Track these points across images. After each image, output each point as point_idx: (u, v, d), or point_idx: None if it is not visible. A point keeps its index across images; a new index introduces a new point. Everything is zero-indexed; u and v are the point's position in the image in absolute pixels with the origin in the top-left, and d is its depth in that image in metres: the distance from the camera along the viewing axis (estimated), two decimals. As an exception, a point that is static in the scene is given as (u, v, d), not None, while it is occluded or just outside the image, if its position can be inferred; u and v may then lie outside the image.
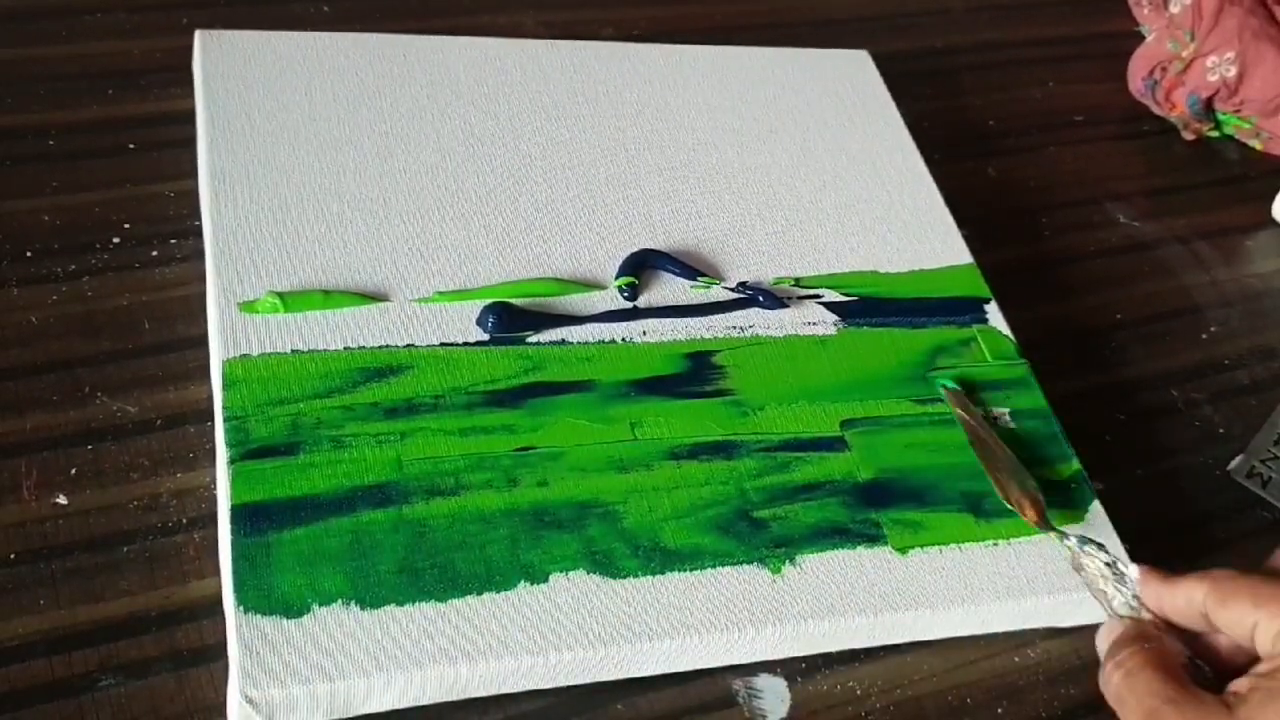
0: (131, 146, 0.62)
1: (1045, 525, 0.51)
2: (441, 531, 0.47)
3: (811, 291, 0.60)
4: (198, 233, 0.57)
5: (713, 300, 0.58)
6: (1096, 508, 0.54)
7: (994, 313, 0.61)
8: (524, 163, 0.61)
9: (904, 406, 0.56)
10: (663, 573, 0.48)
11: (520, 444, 0.50)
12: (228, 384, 0.49)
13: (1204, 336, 0.69)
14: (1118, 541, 0.53)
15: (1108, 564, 0.46)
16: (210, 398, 0.51)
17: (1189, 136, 0.81)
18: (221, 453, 0.47)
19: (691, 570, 0.48)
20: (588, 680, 0.47)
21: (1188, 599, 0.43)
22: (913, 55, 0.82)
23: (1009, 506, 0.51)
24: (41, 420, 0.51)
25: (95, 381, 0.52)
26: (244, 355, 0.50)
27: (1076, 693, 0.51)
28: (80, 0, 0.68)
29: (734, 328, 0.57)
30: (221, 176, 0.56)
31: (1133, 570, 0.45)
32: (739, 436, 0.53)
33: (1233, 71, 0.76)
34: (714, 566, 0.48)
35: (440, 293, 0.54)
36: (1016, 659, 0.52)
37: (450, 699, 0.45)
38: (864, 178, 0.66)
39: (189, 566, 0.48)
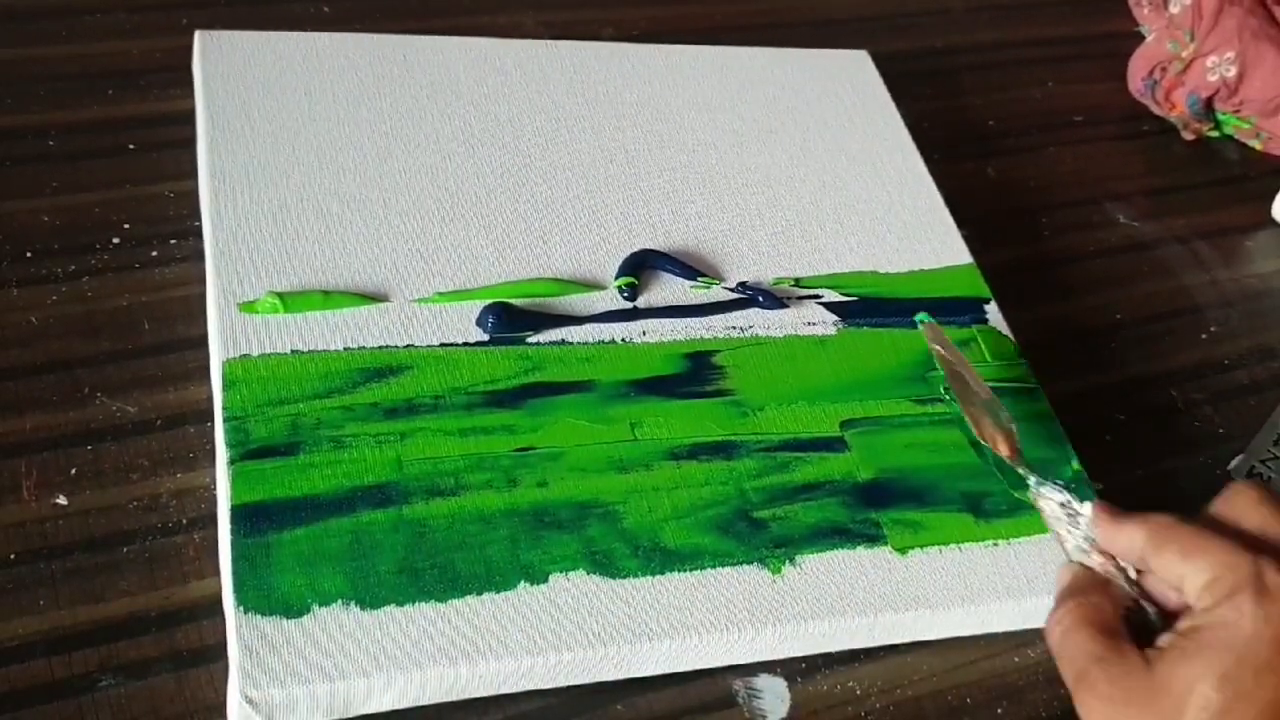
0: (131, 147, 0.62)
1: (1018, 460, 0.50)
2: (441, 532, 0.47)
3: (811, 292, 0.60)
4: (198, 233, 0.57)
5: (712, 300, 0.58)
6: (1096, 508, 0.54)
7: (994, 313, 0.61)
8: (524, 163, 0.61)
9: (904, 406, 0.56)
10: (663, 573, 0.48)
11: (520, 444, 0.50)
12: (228, 384, 0.49)
13: (1204, 336, 0.69)
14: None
15: (1062, 504, 0.46)
16: (210, 398, 0.51)
17: (1189, 136, 0.81)
18: (221, 453, 0.47)
19: (691, 570, 0.48)
20: (588, 680, 0.47)
21: (1129, 542, 0.43)
22: (913, 55, 0.82)
23: (983, 443, 0.51)
24: (41, 420, 0.51)
25: (95, 382, 0.52)
26: (244, 355, 0.50)
27: (1076, 693, 0.51)
28: (80, 0, 0.68)
29: (734, 328, 0.57)
30: (221, 177, 0.56)
31: (1086, 509, 0.45)
32: (739, 437, 0.53)
33: (1232, 71, 0.76)
34: (714, 567, 0.48)
35: (440, 293, 0.54)
36: (1016, 659, 0.52)
37: (450, 699, 0.45)
38: (864, 178, 0.66)
39: (189, 567, 0.48)
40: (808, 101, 0.70)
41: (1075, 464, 0.56)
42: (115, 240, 0.58)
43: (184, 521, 0.49)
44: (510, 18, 0.75)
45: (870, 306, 0.60)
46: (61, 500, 0.48)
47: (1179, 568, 0.41)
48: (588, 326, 0.55)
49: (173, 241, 0.58)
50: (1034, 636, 0.52)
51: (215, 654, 0.45)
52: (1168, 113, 0.81)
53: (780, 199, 0.64)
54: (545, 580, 0.46)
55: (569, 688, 0.47)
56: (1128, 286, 0.70)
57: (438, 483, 0.48)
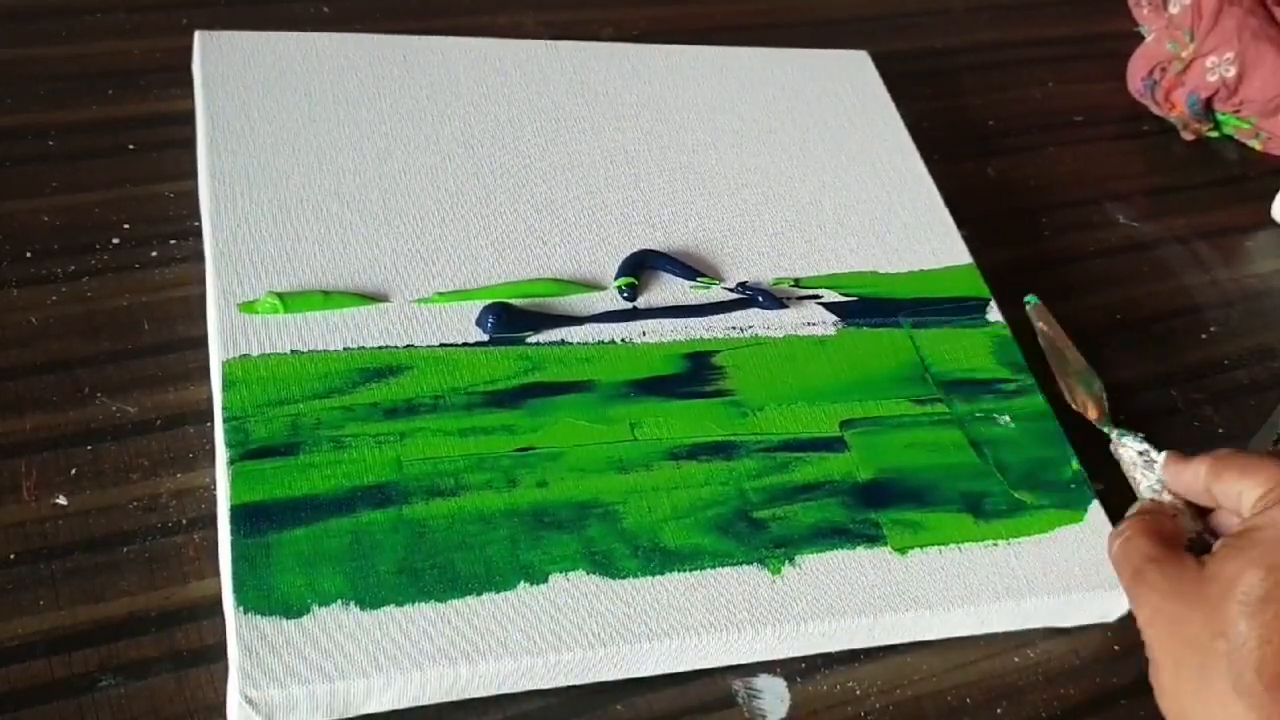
0: (131, 147, 0.62)
1: (1103, 420, 0.55)
2: (441, 532, 0.47)
3: (811, 292, 0.60)
4: (198, 233, 0.57)
5: (712, 301, 0.58)
6: (1096, 508, 0.55)
7: (994, 313, 0.61)
8: (523, 163, 0.61)
9: (903, 406, 0.56)
10: (662, 573, 0.48)
11: (520, 444, 0.50)
12: (227, 384, 0.49)
13: (1204, 336, 0.69)
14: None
15: (1140, 452, 0.51)
16: (210, 398, 0.51)
17: (1188, 137, 0.81)
18: (221, 453, 0.47)
19: (691, 570, 0.48)
20: (588, 680, 0.47)
21: (1194, 474, 0.47)
22: (913, 55, 0.82)
23: (1074, 409, 0.56)
24: (41, 420, 0.51)
25: (95, 382, 0.52)
26: (244, 356, 0.50)
27: (1076, 693, 0.51)
28: (80, 0, 0.68)
29: (733, 328, 0.57)
30: (221, 177, 0.56)
31: (1160, 457, 0.49)
32: (738, 437, 0.53)
33: (1232, 72, 0.76)
34: (714, 567, 0.48)
35: (440, 293, 0.54)
36: (1016, 659, 0.52)
37: (450, 699, 0.45)
38: (863, 178, 0.66)
39: (189, 567, 0.48)
40: (807, 101, 0.70)
41: (1075, 464, 0.56)
42: (115, 240, 0.58)
43: (184, 521, 0.49)
44: (510, 18, 0.75)
45: (870, 307, 0.60)
46: (61, 500, 0.48)
47: (1238, 485, 0.44)
48: (587, 327, 0.55)
49: (173, 241, 0.58)
50: (1034, 636, 0.53)
51: (215, 654, 0.45)
52: (1167, 113, 0.81)
53: (780, 199, 0.64)
54: (545, 580, 0.46)
55: (569, 688, 0.47)
56: (1128, 286, 0.70)
57: (438, 483, 0.48)
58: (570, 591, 0.46)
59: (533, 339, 0.54)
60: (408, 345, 0.52)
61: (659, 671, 0.48)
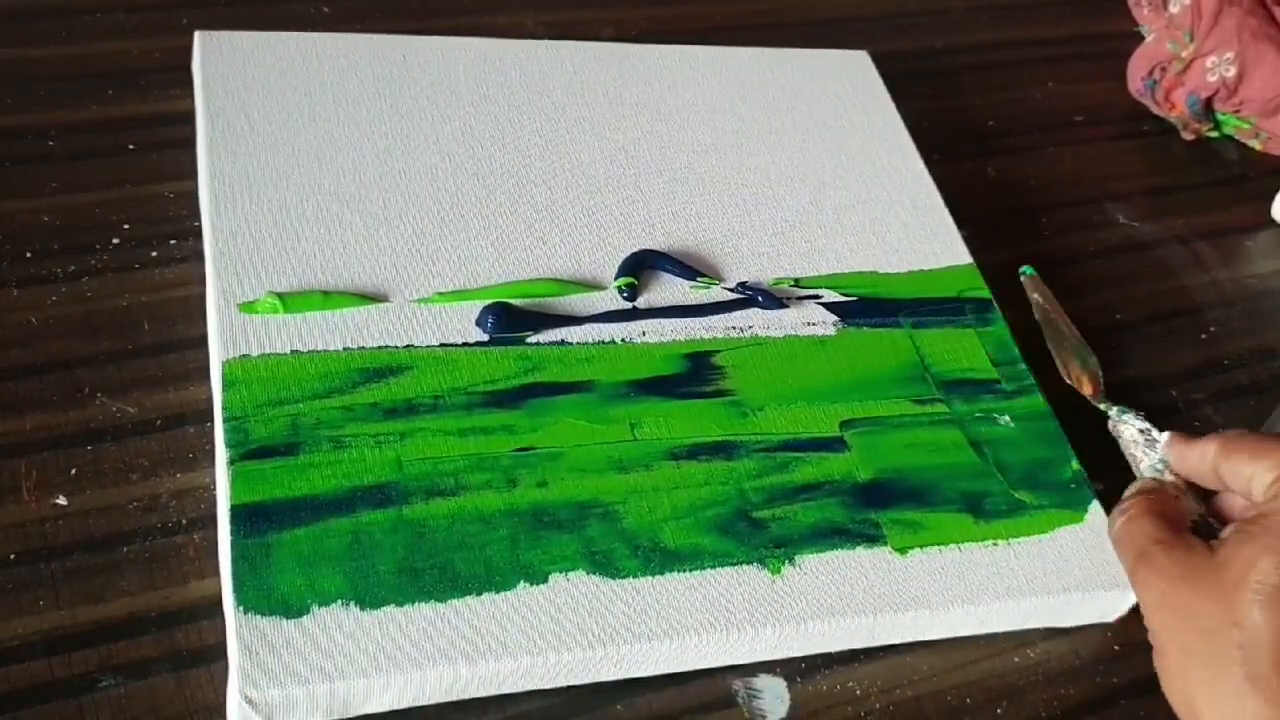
0: (131, 147, 0.62)
1: (1099, 397, 0.55)
2: (441, 532, 0.47)
3: (811, 292, 0.60)
4: (197, 233, 0.57)
5: (712, 301, 0.58)
6: (1096, 508, 0.55)
7: (994, 312, 0.61)
8: (523, 163, 0.61)
9: (903, 406, 0.56)
10: (662, 573, 0.48)
11: (520, 444, 0.50)
12: (227, 384, 0.49)
13: (1204, 336, 0.69)
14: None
15: (1141, 430, 0.50)
16: (210, 398, 0.51)
17: (1188, 136, 0.81)
18: (221, 453, 0.47)
19: (691, 570, 0.48)
20: (588, 680, 0.47)
21: (1201, 455, 0.46)
22: (913, 55, 0.82)
23: (1068, 383, 0.56)
24: (41, 420, 0.51)
25: (95, 382, 0.52)
26: (244, 356, 0.50)
27: (1076, 693, 0.51)
28: (80, 0, 0.68)
29: (733, 328, 0.57)
30: (221, 177, 0.56)
31: (1163, 436, 0.49)
32: (738, 437, 0.53)
33: (1232, 72, 0.76)
34: (713, 567, 0.48)
35: (440, 293, 0.54)
36: (1016, 659, 0.52)
37: (450, 699, 0.45)
38: (864, 178, 0.66)
39: (189, 567, 0.48)
40: (807, 101, 0.70)
41: (1075, 464, 0.56)
42: (115, 240, 0.58)
43: (184, 521, 0.49)
44: (510, 18, 0.75)
45: (870, 307, 0.60)
46: (61, 500, 0.48)
47: (1248, 468, 0.43)
48: (587, 327, 0.55)
49: (173, 241, 0.58)
50: (1034, 636, 0.53)
51: (215, 654, 0.45)
52: (1167, 113, 0.81)
53: (780, 199, 0.64)
54: (545, 580, 0.46)
55: (569, 688, 0.47)
56: (1128, 286, 0.70)
57: (437, 483, 0.48)
58: (570, 591, 0.46)
59: (533, 339, 0.54)
60: (408, 345, 0.52)
61: (659, 671, 0.48)
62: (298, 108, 0.60)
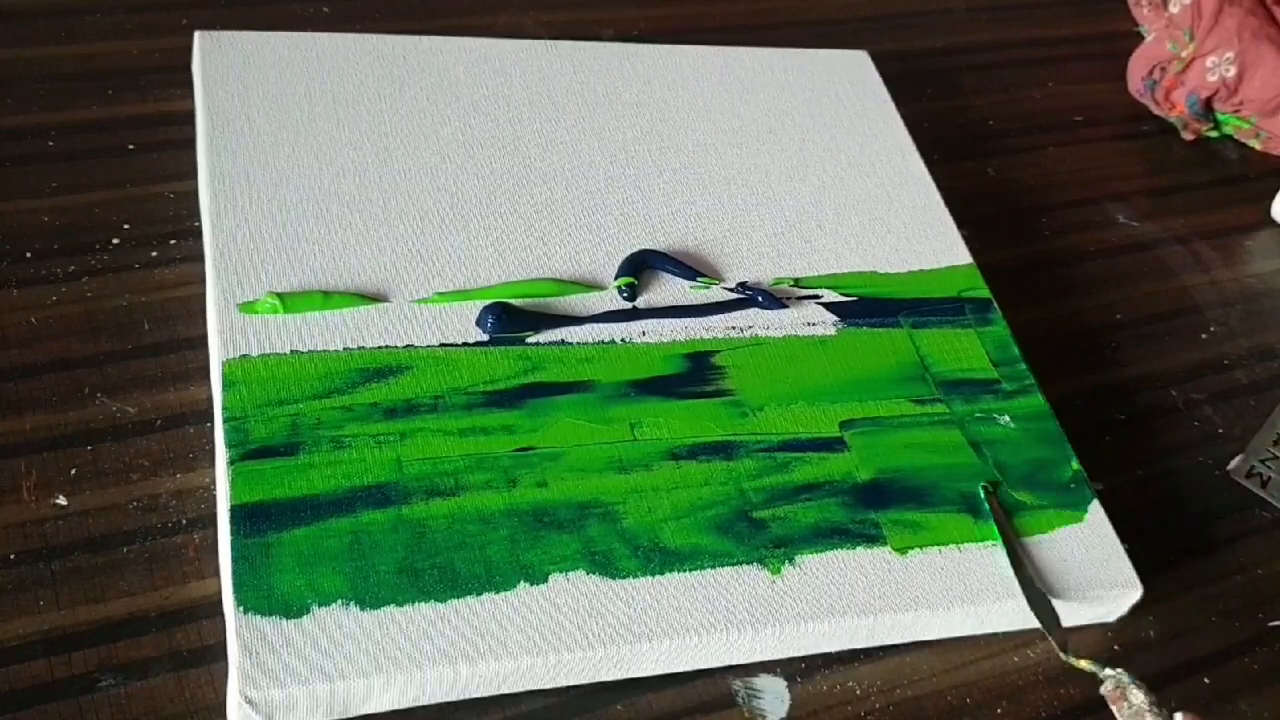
0: (131, 147, 0.62)
1: (1071, 654, 0.50)
2: (441, 532, 0.47)
3: (811, 292, 0.60)
4: (197, 233, 0.57)
5: (712, 300, 0.58)
6: (1096, 508, 0.55)
7: (994, 312, 0.61)
8: (523, 163, 0.61)
9: (903, 407, 0.56)
10: (662, 573, 0.48)
11: (520, 444, 0.50)
12: (227, 384, 0.49)
13: (1204, 336, 0.69)
14: (1117, 541, 0.53)
15: (1150, 703, 0.46)
16: (210, 398, 0.51)
17: (1188, 136, 0.81)
18: (221, 453, 0.47)
19: (691, 570, 0.48)
20: (588, 680, 0.47)
21: None
22: (913, 55, 0.82)
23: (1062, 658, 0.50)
24: (41, 420, 0.51)
25: (95, 382, 0.52)
26: (243, 356, 0.50)
27: (1076, 693, 0.51)
28: (80, 0, 0.68)
29: (733, 328, 0.57)
30: (221, 177, 0.56)
31: (1178, 718, 0.46)
32: (738, 437, 0.53)
33: (1232, 71, 0.76)
34: (713, 567, 0.48)
35: (440, 293, 0.54)
36: (1016, 659, 0.52)
37: (450, 699, 0.45)
38: (864, 178, 0.66)
39: (189, 567, 0.48)
40: (808, 101, 0.70)
41: (1075, 464, 0.56)
42: (115, 240, 0.58)
43: (184, 521, 0.49)
44: (510, 18, 0.75)
45: (870, 307, 0.60)
46: (61, 500, 0.48)
47: None
48: (587, 327, 0.55)
49: (173, 241, 0.58)
50: (1034, 636, 0.52)
51: (215, 654, 0.45)
52: (1167, 113, 0.81)
53: (780, 199, 0.64)
54: (545, 580, 0.46)
55: (569, 688, 0.47)
56: (1128, 286, 0.70)
57: (437, 483, 0.48)
58: (570, 591, 0.46)
59: (532, 339, 0.54)
60: (408, 345, 0.52)
61: (659, 671, 0.48)
62: (298, 108, 0.60)
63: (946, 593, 0.50)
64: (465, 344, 0.53)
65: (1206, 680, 0.53)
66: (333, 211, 0.56)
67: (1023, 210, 0.73)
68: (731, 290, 0.58)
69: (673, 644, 0.46)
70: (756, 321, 0.58)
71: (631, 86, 0.67)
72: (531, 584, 0.46)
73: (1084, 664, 0.49)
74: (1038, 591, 0.51)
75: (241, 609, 0.43)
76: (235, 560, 0.44)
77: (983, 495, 0.53)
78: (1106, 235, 0.73)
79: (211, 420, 0.51)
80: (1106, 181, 0.77)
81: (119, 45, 0.67)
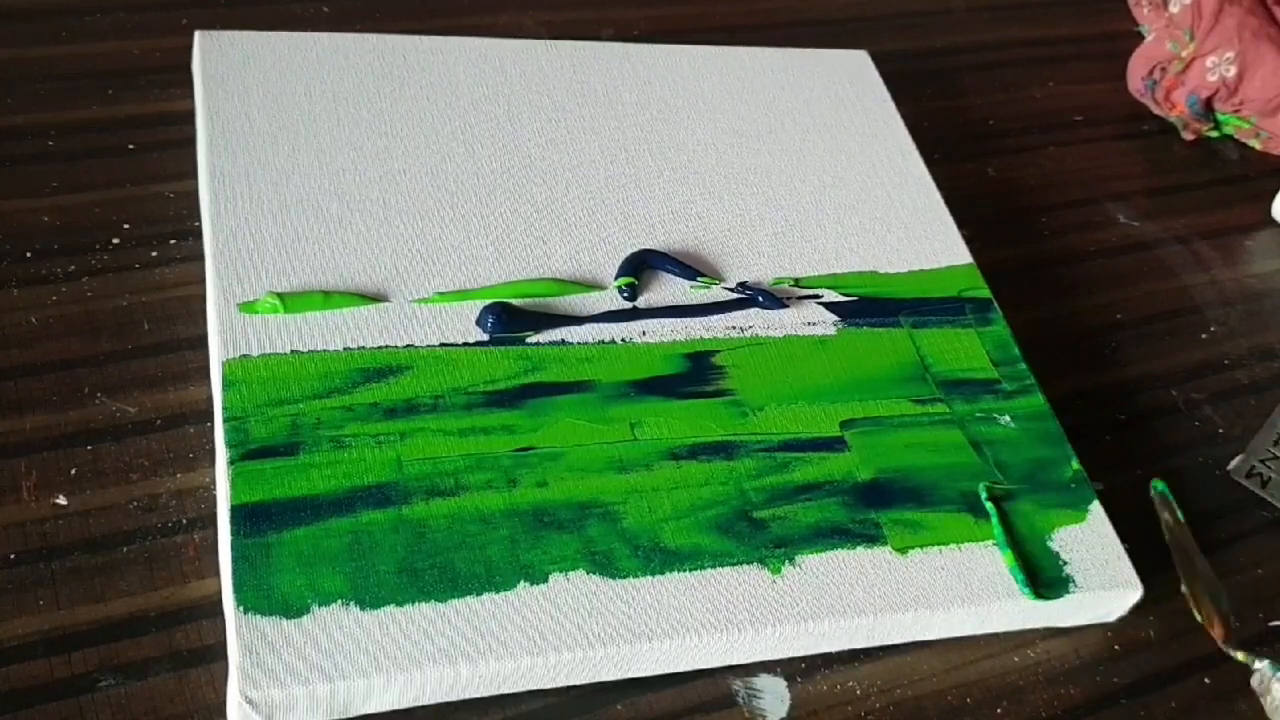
0: (131, 146, 0.62)
1: (1231, 644, 0.51)
2: (441, 532, 0.47)
3: (811, 292, 0.60)
4: (197, 233, 0.57)
5: (712, 300, 0.58)
6: (1096, 508, 0.55)
7: (994, 313, 0.61)
8: (523, 163, 0.61)
9: (903, 406, 0.56)
10: (662, 573, 0.48)
11: (520, 444, 0.50)
12: (227, 384, 0.49)
13: (1204, 336, 0.69)
14: (1117, 541, 0.53)
15: None
16: (210, 398, 0.51)
17: (1189, 136, 0.81)
18: (221, 453, 0.47)
19: (691, 570, 0.48)
20: (588, 680, 0.47)
21: None
22: (913, 55, 0.82)
23: (1197, 619, 0.52)
24: (41, 420, 0.51)
25: (95, 382, 0.52)
26: (244, 356, 0.50)
27: (1076, 693, 0.51)
28: (80, 0, 0.68)
29: (734, 328, 0.57)
30: (221, 177, 0.56)
31: None
32: (739, 437, 0.53)
33: (1232, 71, 0.76)
34: (714, 567, 0.48)
35: (440, 293, 0.54)
36: (1016, 659, 0.52)
37: (450, 699, 0.45)
38: (864, 178, 0.66)
39: (189, 567, 0.48)
40: (808, 101, 0.70)
41: (1075, 464, 0.56)
42: (115, 240, 0.58)
43: (184, 521, 0.49)
44: (510, 18, 0.75)
45: (870, 307, 0.60)
46: (61, 500, 0.48)
47: None
48: (587, 326, 0.55)
49: (173, 241, 0.58)
50: (1034, 636, 0.53)
51: (215, 654, 0.45)
52: (1168, 113, 0.81)
53: (780, 199, 0.64)
54: (545, 580, 0.46)
55: (569, 688, 0.47)
56: (1128, 286, 0.70)
57: (437, 483, 0.48)
58: (570, 591, 0.46)
59: (533, 339, 0.54)
60: (408, 345, 0.52)
61: (659, 671, 0.48)
62: (298, 108, 0.60)
63: (947, 592, 0.50)
64: (465, 344, 0.53)
65: (1206, 680, 0.53)
66: (333, 211, 0.56)
67: (1023, 210, 0.73)
68: (732, 290, 0.58)
69: (673, 644, 0.46)
70: (756, 321, 0.58)
71: (631, 86, 0.67)
72: (531, 584, 0.46)
73: (1240, 655, 0.49)
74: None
75: (241, 609, 0.43)
76: (235, 560, 0.44)
77: (984, 496, 0.53)
78: (1106, 235, 0.73)
79: (211, 420, 0.51)
80: (1106, 181, 0.77)
81: (119, 45, 0.67)
